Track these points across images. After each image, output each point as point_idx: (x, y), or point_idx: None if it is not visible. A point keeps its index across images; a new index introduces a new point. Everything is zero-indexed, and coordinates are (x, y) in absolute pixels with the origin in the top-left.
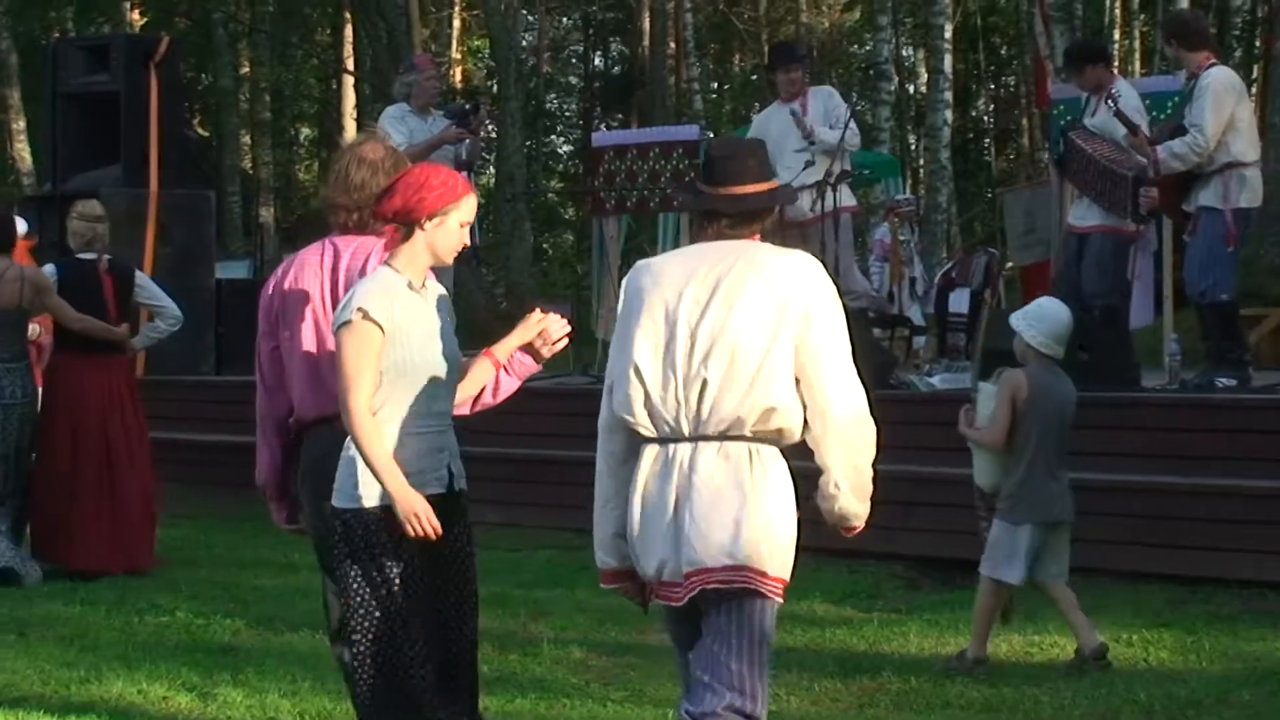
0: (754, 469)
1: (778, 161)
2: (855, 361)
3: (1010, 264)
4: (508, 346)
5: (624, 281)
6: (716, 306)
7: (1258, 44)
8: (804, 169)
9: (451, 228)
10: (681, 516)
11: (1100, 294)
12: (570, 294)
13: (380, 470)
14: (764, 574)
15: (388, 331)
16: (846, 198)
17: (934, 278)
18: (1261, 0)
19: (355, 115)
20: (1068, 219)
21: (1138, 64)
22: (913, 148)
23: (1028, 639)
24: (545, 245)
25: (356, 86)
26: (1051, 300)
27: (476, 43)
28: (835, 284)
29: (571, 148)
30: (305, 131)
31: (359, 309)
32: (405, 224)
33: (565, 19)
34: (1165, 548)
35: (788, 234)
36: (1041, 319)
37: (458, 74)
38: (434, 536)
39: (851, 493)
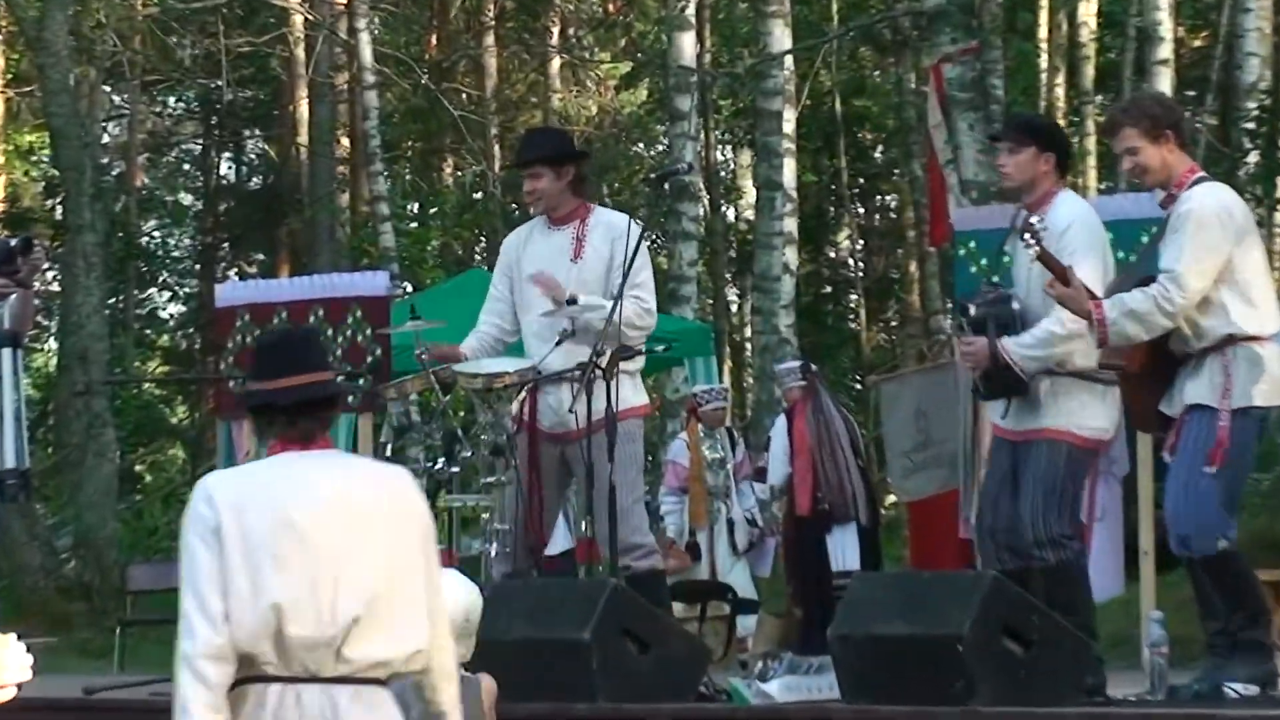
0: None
1: (525, 324)
2: (648, 657)
3: (893, 498)
4: None
5: (198, 500)
6: (355, 532)
7: None
8: (557, 343)
9: None
10: None
11: (1046, 542)
12: (178, 546)
13: None
14: None
15: None
16: (630, 393)
17: (765, 512)
18: None
19: None
20: (991, 418)
21: (1092, 175)
22: (734, 308)
23: None
24: (139, 467)
25: None
26: None
27: (29, 139)
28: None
29: (183, 307)
30: None
31: None
32: None
33: (173, 100)
34: None
35: (543, 451)
36: None
37: None
38: None
39: None
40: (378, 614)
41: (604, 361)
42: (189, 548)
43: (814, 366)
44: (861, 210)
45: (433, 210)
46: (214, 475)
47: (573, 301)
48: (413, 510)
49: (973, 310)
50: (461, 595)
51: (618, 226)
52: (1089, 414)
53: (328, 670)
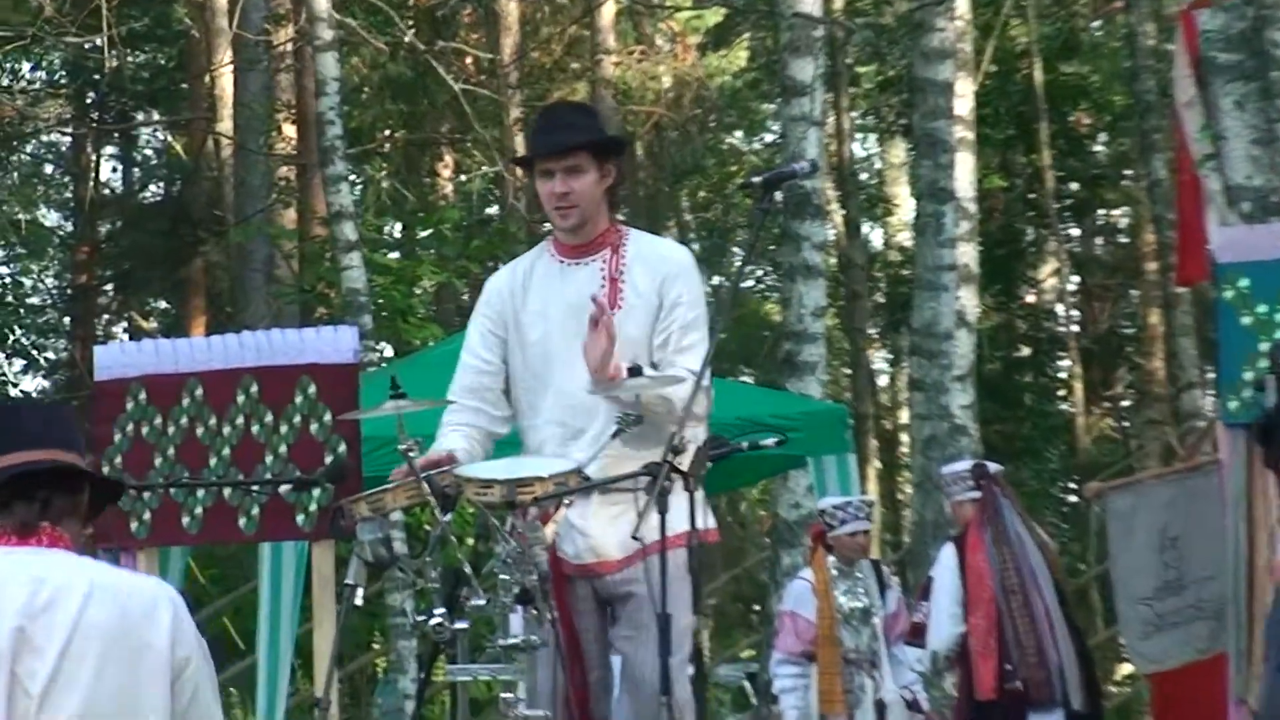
0: None
1: (531, 409)
2: None
3: (1127, 668)
4: None
5: None
6: (68, 657)
7: None
8: (614, 434)
9: None
10: None
11: None
12: None
13: None
14: None
15: None
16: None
17: (932, 689)
18: None
19: None
20: None
21: None
22: (882, 381)
23: None
24: None
25: None
26: None
27: None
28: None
29: (45, 381)
30: None
31: None
32: None
33: (30, 68)
34: None
35: (574, 592)
36: None
37: None
38: None
39: None
40: None
41: (685, 461)
42: None
43: (995, 467)
44: (1076, 232)
45: (424, 233)
46: None
47: (636, 372)
48: (156, 639)
49: (1271, 394)
50: None
51: (671, 260)
52: None
53: None
